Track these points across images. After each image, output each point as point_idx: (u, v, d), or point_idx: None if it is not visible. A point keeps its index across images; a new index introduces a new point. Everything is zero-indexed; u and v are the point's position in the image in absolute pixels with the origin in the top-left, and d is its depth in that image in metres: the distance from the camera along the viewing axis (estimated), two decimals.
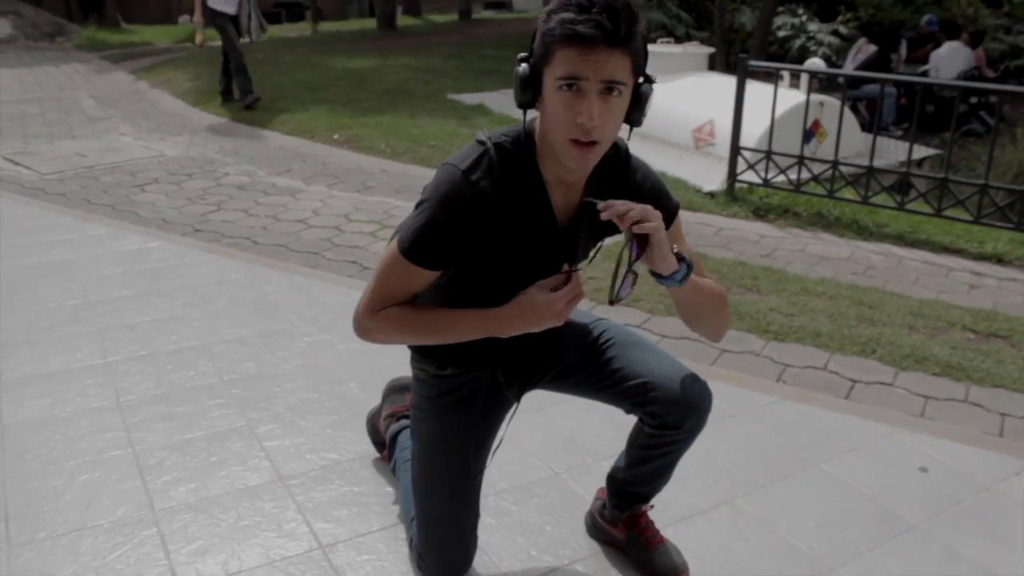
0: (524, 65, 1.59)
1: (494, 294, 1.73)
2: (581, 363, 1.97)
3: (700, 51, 8.38)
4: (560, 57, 1.51)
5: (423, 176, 6.30)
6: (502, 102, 9.15)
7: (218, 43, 8.77)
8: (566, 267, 1.71)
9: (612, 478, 2.16)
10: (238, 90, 8.63)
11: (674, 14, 14.41)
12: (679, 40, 10.56)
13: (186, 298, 3.87)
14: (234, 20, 8.33)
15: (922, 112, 6.34)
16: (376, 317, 1.76)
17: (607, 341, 1.97)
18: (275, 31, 17.30)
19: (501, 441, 2.07)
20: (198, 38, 8.66)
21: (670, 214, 1.80)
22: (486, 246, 1.70)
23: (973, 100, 9.81)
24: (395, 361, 3.23)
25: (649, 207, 1.61)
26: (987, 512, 2.48)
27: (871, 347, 3.55)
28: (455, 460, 1.97)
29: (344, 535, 2.31)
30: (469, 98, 9.33)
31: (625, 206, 1.58)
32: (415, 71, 11.26)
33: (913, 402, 3.17)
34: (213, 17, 8.28)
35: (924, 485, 2.61)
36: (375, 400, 2.96)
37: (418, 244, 1.67)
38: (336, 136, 7.50)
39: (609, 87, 1.51)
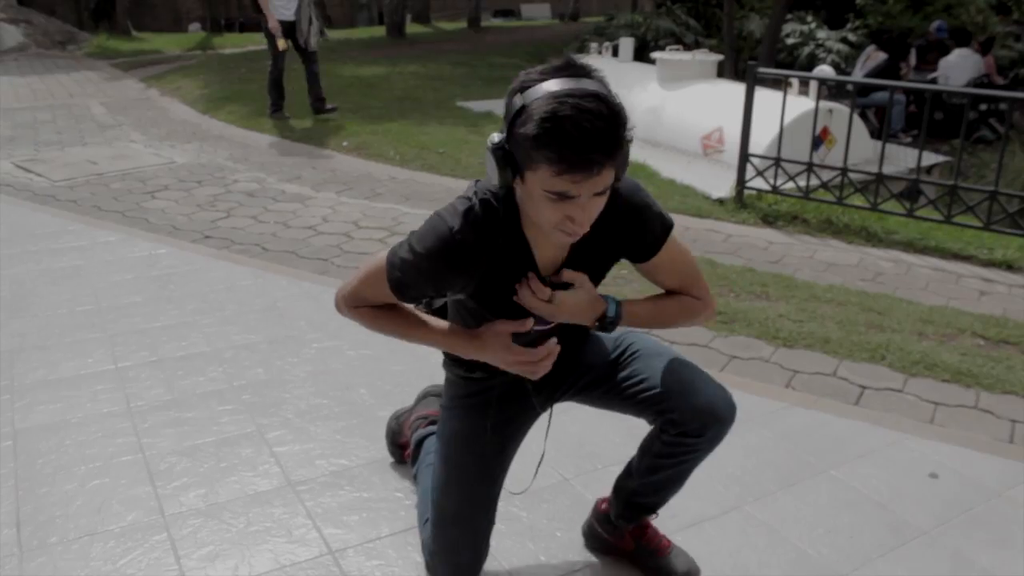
0: (500, 150, 1.56)
1: (479, 323, 1.84)
2: (608, 373, 1.98)
3: (709, 58, 8.38)
4: (547, 174, 1.50)
5: (432, 183, 6.32)
6: None
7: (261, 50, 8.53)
8: (531, 324, 1.79)
9: (620, 488, 2.14)
10: (270, 101, 8.43)
11: (683, 22, 14.44)
12: (688, 48, 10.57)
13: (196, 304, 3.89)
14: (290, 29, 8.03)
15: (931, 119, 6.33)
16: (354, 311, 1.89)
17: (633, 352, 1.98)
18: None
19: (544, 455, 2.13)
20: (280, 43, 8.11)
21: (652, 241, 1.83)
22: (470, 291, 1.78)
23: (983, 107, 9.78)
24: (405, 367, 3.25)
25: (538, 286, 1.75)
26: (997, 518, 2.47)
27: (880, 353, 3.54)
28: (476, 461, 1.99)
29: (354, 540, 2.32)
30: (478, 105, 9.35)
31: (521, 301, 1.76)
32: (424, 78, 11.30)
33: (923, 408, 3.16)
34: (267, 23, 8.03)
35: (934, 491, 2.60)
36: (384, 406, 2.98)
37: (401, 282, 1.77)
38: (345, 143, 7.52)
39: (599, 192, 1.54)
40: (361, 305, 1.88)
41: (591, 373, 2.00)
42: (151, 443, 2.76)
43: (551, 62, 1.54)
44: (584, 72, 1.51)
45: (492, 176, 1.61)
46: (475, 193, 1.72)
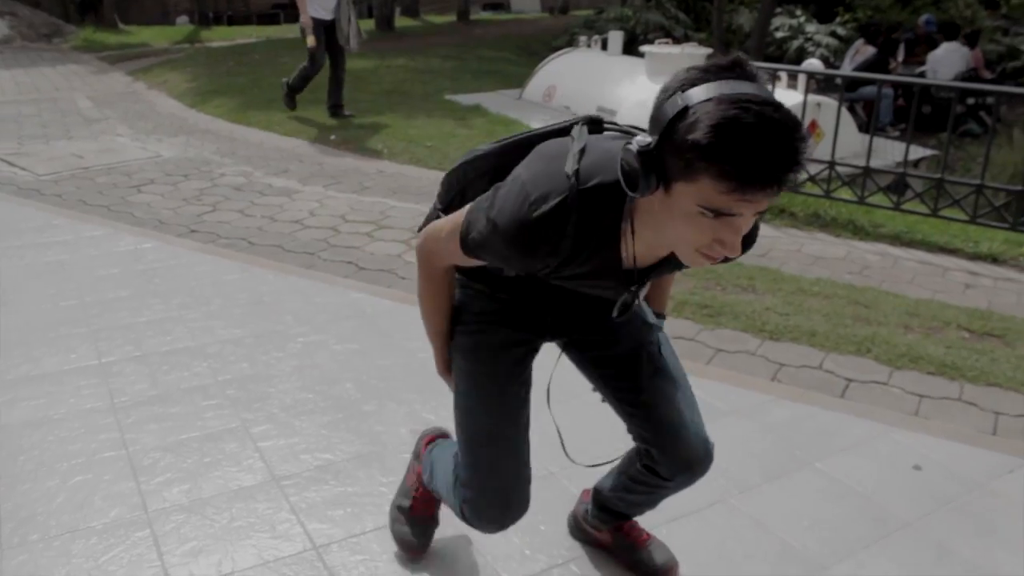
0: (647, 155, 1.32)
1: (542, 283, 1.69)
2: (621, 359, 1.87)
3: (698, 52, 8.37)
4: (709, 187, 1.27)
5: (420, 177, 6.30)
6: (500, 103, 9.15)
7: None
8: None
9: (598, 491, 2.16)
10: (286, 87, 8.08)
11: (672, 15, 14.43)
12: (677, 41, 10.56)
13: (181, 299, 3.87)
14: (329, 28, 7.71)
15: (919, 113, 6.33)
16: (427, 263, 1.76)
17: (651, 357, 1.88)
18: (272, 32, 17.31)
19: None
20: (310, 40, 7.82)
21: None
22: (541, 275, 1.62)
23: (970, 101, 9.81)
24: (391, 361, 3.24)
25: None
26: (980, 510, 2.48)
27: (866, 346, 3.55)
28: (499, 378, 1.84)
29: (338, 535, 2.31)
30: (466, 99, 9.32)
31: None
32: (413, 72, 11.26)
33: (908, 401, 3.17)
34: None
35: (918, 483, 2.61)
36: (370, 400, 2.98)
37: (475, 249, 1.59)
38: (333, 137, 7.50)
39: (761, 211, 1.33)
40: (436, 260, 1.73)
41: (612, 349, 1.87)
42: (134, 439, 2.74)
43: (716, 60, 1.33)
44: (752, 76, 1.30)
45: (595, 160, 1.43)
46: (574, 175, 1.45)
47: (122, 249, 4.55)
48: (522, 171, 1.54)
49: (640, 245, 1.51)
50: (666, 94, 1.32)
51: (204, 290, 3.98)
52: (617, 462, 2.08)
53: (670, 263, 1.60)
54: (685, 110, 1.27)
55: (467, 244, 1.59)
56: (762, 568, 2.23)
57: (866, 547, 2.31)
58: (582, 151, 1.48)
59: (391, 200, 5.67)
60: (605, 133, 1.62)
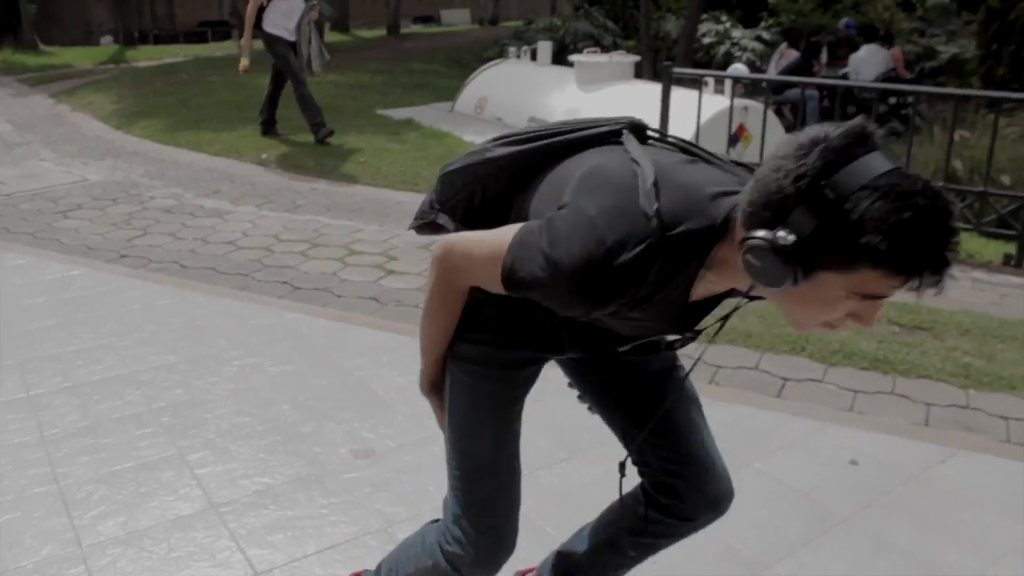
0: (794, 251, 1.18)
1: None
2: (646, 382, 1.70)
3: (626, 60, 8.49)
4: (871, 279, 1.18)
5: (353, 193, 6.26)
6: (432, 116, 9.14)
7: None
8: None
9: (565, 556, 1.93)
10: (309, 125, 7.67)
11: (600, 24, 14.57)
12: (606, 49, 10.67)
13: (112, 326, 3.77)
14: (292, 47, 7.51)
15: (843, 113, 6.49)
16: (446, 282, 1.53)
17: (680, 382, 1.72)
18: (200, 50, 17.06)
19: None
20: (242, 63, 7.74)
21: None
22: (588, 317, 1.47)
23: (892, 101, 10.08)
24: (328, 381, 3.21)
25: None
26: (915, 500, 2.54)
27: (801, 345, 3.62)
28: (504, 400, 1.66)
29: (279, 560, 2.27)
30: (398, 113, 9.29)
31: None
32: (343, 87, 11.18)
33: (842, 397, 3.23)
34: (269, 43, 7.51)
35: (855, 478, 2.66)
36: (307, 421, 2.94)
37: (521, 289, 1.40)
38: (264, 156, 7.40)
39: None
40: (458, 278, 1.51)
41: (624, 372, 1.71)
42: (66, 472, 2.67)
43: (841, 129, 1.19)
44: (877, 144, 1.20)
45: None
46: (658, 220, 1.28)
47: (48, 277, 4.43)
48: (585, 202, 1.33)
49: (700, 286, 1.38)
50: (798, 179, 1.17)
51: (135, 316, 3.89)
52: (596, 517, 1.88)
53: (719, 299, 1.48)
54: (841, 204, 1.16)
55: (512, 282, 1.39)
56: (705, 570, 2.25)
57: (806, 544, 2.35)
58: (656, 185, 1.31)
59: (325, 218, 5.62)
60: (649, 143, 1.50)
